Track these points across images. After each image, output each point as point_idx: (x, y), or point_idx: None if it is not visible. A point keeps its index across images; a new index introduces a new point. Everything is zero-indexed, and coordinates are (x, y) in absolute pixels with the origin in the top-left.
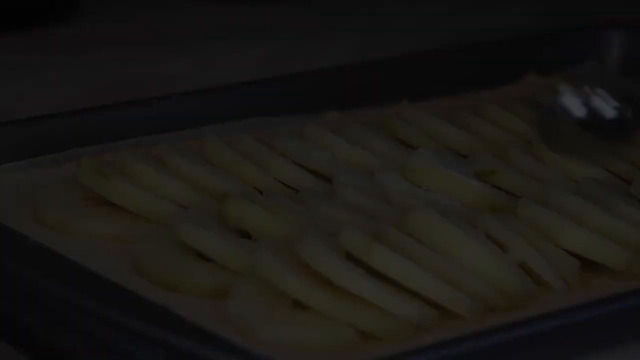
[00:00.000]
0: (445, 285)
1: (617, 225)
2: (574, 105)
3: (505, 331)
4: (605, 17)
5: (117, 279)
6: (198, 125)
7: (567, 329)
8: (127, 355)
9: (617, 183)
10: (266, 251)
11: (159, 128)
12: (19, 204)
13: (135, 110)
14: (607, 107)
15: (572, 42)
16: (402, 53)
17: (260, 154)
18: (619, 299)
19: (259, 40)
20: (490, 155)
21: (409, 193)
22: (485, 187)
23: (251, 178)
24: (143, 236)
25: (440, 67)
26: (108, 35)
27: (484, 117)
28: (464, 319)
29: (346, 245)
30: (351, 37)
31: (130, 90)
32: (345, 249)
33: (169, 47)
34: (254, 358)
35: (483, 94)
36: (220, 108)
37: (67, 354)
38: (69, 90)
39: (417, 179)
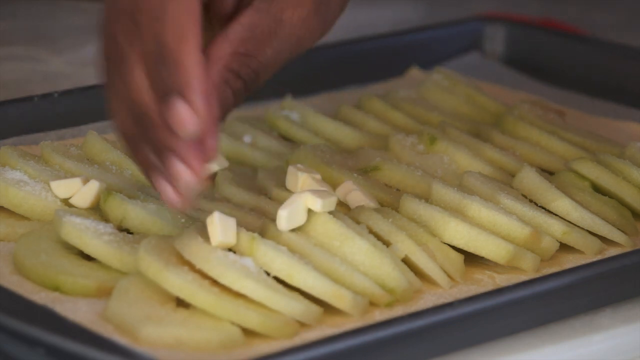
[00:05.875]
0: (328, 281)
1: (499, 219)
2: None
3: (387, 327)
4: (486, 12)
5: None
6: (79, 124)
7: (449, 324)
8: (8, 354)
9: (502, 177)
10: (147, 249)
11: (40, 126)
12: None
13: (16, 108)
14: None
15: (454, 36)
16: None
17: None
18: (501, 293)
19: None
20: (374, 150)
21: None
22: (367, 181)
23: (133, 176)
24: (24, 235)
25: (323, 61)
26: None
27: (367, 111)
28: (349, 315)
29: None
30: None
31: (11, 89)
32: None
33: (48, 45)
34: (135, 357)
35: (366, 89)
36: (101, 106)
37: None
38: None
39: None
